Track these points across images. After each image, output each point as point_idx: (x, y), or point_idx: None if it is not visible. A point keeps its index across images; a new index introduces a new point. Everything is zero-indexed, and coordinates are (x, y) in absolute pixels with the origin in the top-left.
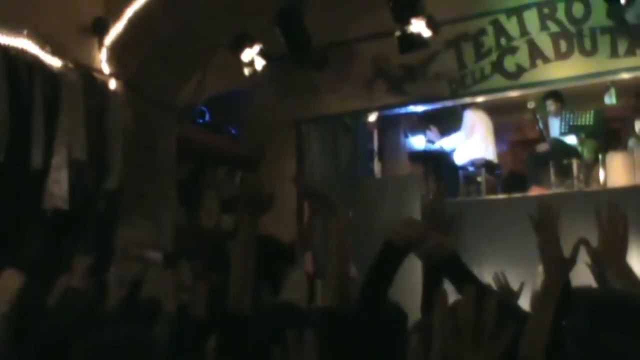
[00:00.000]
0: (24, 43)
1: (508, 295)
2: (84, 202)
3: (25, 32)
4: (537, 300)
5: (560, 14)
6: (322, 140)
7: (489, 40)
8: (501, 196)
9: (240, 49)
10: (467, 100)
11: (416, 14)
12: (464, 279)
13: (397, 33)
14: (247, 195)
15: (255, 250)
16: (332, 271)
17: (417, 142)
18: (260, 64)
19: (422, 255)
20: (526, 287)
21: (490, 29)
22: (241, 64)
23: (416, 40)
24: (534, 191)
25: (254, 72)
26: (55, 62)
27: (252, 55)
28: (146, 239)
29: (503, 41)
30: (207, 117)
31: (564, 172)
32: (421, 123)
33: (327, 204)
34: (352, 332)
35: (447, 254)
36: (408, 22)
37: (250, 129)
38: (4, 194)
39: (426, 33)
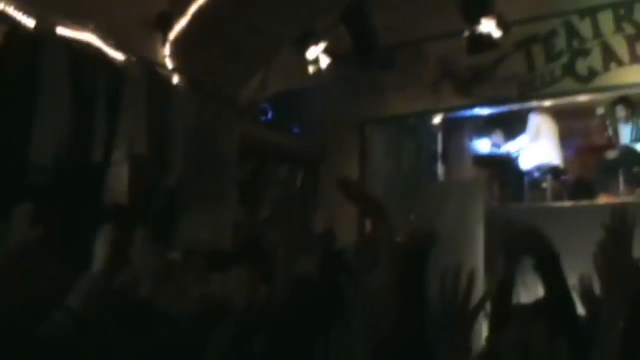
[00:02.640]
0: (88, 37)
1: (592, 300)
2: (143, 198)
3: (91, 26)
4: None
5: (638, 15)
6: (386, 142)
7: (560, 42)
8: (568, 203)
9: (306, 47)
10: (536, 103)
11: (486, 13)
12: (555, 279)
13: (466, 33)
14: (285, 198)
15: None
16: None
17: (482, 146)
18: (325, 62)
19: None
20: None
21: (562, 31)
22: (306, 62)
23: (485, 41)
24: (603, 199)
25: (319, 71)
26: (118, 56)
27: (317, 54)
28: (205, 236)
29: (575, 43)
30: (270, 115)
31: (634, 181)
32: (487, 126)
33: (376, 207)
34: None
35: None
36: (478, 22)
37: (314, 128)
38: (65, 188)
39: (496, 34)
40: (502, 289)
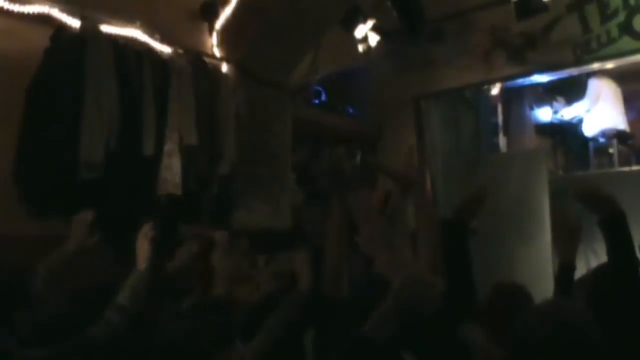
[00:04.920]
0: (133, 32)
1: None
2: (197, 187)
3: (137, 22)
4: None
5: None
6: (442, 116)
7: None
8: (636, 167)
9: (353, 26)
10: (595, 66)
11: None
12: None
13: None
14: (329, 172)
15: (347, 229)
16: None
17: (544, 114)
18: (374, 40)
19: None
20: None
21: None
22: (355, 41)
23: (535, 4)
24: None
25: (368, 49)
26: (164, 49)
27: (365, 31)
28: (262, 222)
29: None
30: (322, 97)
31: None
32: (547, 94)
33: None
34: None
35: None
36: None
37: (368, 107)
38: (118, 181)
39: None
40: (564, 268)
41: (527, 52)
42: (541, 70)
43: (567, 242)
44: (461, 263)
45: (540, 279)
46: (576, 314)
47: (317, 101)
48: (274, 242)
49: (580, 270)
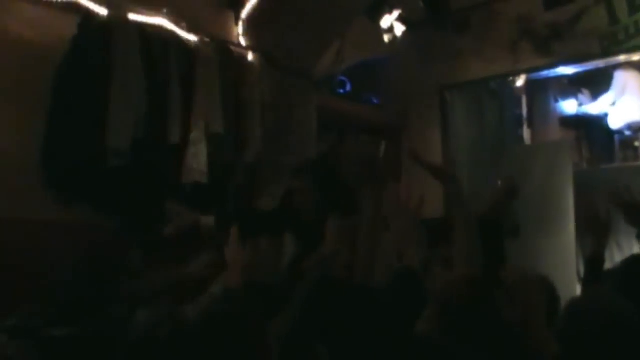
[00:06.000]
0: (160, 21)
1: None
2: (223, 175)
3: (164, 11)
4: None
5: None
6: (467, 107)
7: None
8: None
9: (379, 16)
10: (621, 58)
11: None
12: None
13: None
14: (356, 162)
15: (380, 221)
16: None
17: (569, 106)
18: (399, 30)
19: None
20: None
21: None
22: (380, 31)
23: None
24: None
25: (394, 39)
26: (191, 37)
27: (391, 22)
28: None
29: None
30: (347, 87)
31: None
32: (572, 86)
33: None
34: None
35: None
36: None
37: (393, 97)
38: (144, 169)
39: None
40: (592, 261)
41: (553, 43)
42: (567, 61)
43: (597, 235)
44: (497, 260)
45: (564, 270)
46: (625, 306)
47: (341, 91)
48: None
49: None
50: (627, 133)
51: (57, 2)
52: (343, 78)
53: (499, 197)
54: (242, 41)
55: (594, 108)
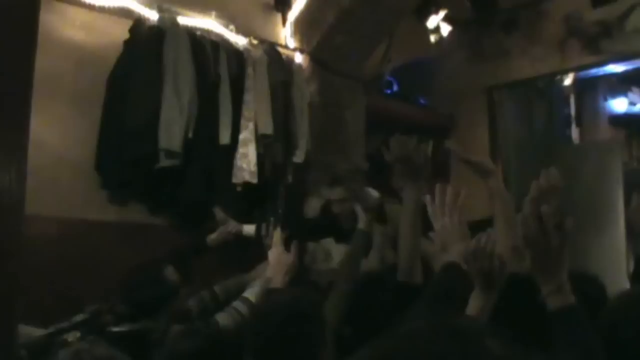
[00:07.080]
0: (209, 24)
1: None
2: (272, 176)
3: (213, 13)
4: None
5: None
6: (515, 106)
7: None
8: None
9: (426, 16)
10: None
11: None
12: None
13: None
14: (399, 160)
15: (421, 218)
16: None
17: (618, 105)
18: (446, 30)
19: None
20: None
21: None
22: (427, 31)
23: None
24: None
25: (441, 39)
26: (240, 40)
27: (437, 22)
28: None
29: None
30: (395, 87)
31: None
32: (621, 84)
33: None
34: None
35: None
36: None
37: (440, 97)
38: (195, 169)
39: None
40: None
41: (601, 41)
42: (616, 59)
43: None
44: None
45: (614, 270)
46: None
47: (389, 91)
48: None
49: None
50: None
51: (109, 7)
52: (390, 78)
53: (539, 194)
54: (290, 43)
55: None
